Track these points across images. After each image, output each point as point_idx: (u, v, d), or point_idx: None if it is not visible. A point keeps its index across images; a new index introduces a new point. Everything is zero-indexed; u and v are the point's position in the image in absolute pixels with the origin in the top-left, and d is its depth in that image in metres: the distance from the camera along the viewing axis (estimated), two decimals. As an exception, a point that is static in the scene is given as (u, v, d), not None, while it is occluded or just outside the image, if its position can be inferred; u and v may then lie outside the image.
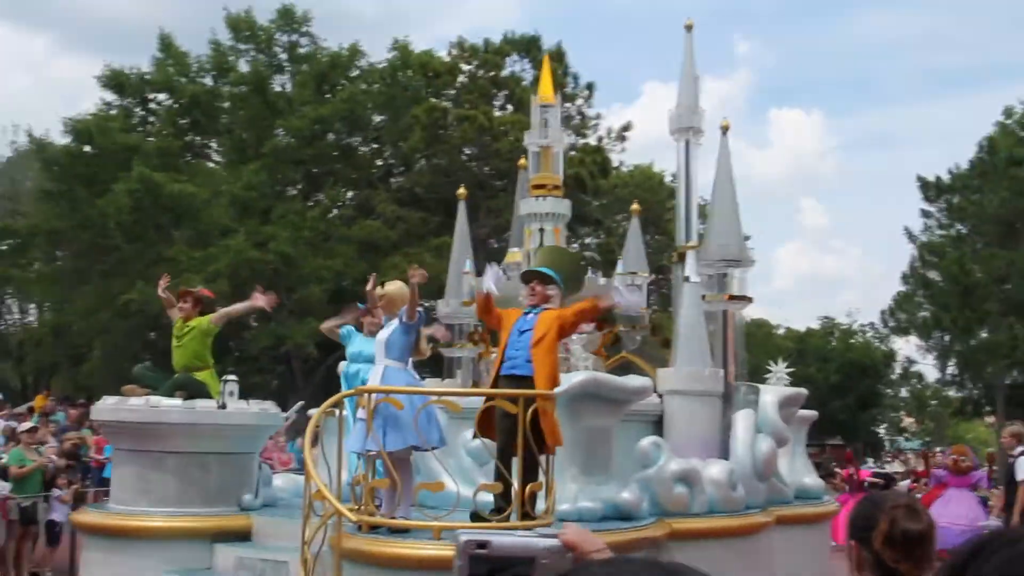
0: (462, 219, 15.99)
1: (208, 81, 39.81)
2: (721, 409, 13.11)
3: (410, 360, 10.44)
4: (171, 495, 11.08)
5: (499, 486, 9.85)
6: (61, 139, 38.76)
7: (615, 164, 42.74)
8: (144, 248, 37.00)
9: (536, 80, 41.39)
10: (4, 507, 15.09)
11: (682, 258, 13.59)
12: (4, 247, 39.05)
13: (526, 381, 9.92)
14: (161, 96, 39.89)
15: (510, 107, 40.74)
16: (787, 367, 14.52)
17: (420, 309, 10.37)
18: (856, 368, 54.58)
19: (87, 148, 38.06)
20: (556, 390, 10.94)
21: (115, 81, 39.12)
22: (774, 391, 13.63)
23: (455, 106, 39.99)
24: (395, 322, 10.31)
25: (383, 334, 10.34)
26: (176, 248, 35.79)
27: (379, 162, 41.77)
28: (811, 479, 14.82)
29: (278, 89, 39.96)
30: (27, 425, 17.15)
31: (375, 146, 41.58)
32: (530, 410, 9.64)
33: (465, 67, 41.12)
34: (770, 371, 14.42)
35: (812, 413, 15.26)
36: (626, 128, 43.36)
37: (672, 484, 11.95)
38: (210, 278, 34.73)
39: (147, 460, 11.13)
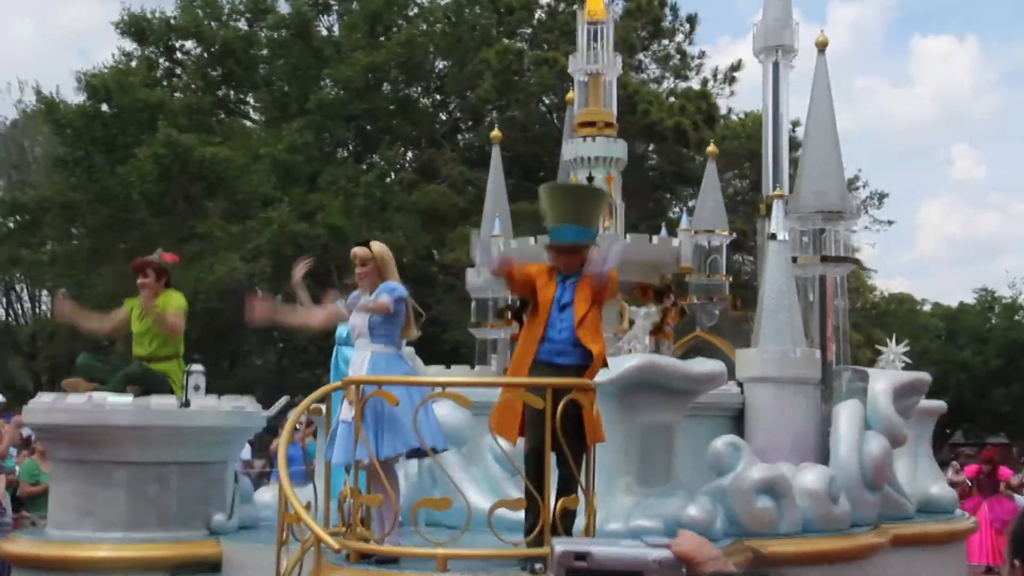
0: (496, 169, 15.08)
1: (243, 25, 39.38)
2: (818, 400, 12.06)
3: (403, 343, 9.52)
4: (120, 517, 10.26)
5: (522, 502, 8.93)
6: (74, 97, 38.59)
7: (723, 111, 41.48)
8: (173, 223, 36.65)
9: (629, 12, 40.64)
10: (17, 528, 14.42)
11: (769, 211, 12.54)
12: (12, 224, 38.81)
13: (570, 371, 8.97)
14: (189, 44, 39.55)
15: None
16: (904, 346, 13.37)
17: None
18: (1022, 350, 52.65)
19: (104, 107, 37.72)
20: (603, 378, 10.14)
21: (135, 27, 38.79)
22: (888, 376, 12.53)
23: (532, 48, 39.13)
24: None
25: (361, 314, 9.38)
26: (210, 222, 35.34)
27: (443, 116, 41.04)
28: (939, 488, 13.71)
29: (324, 33, 39.45)
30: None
31: (438, 97, 40.89)
32: (561, 404, 8.71)
33: (543, 0, 40.16)
34: (882, 351, 13.30)
35: (939, 404, 14.10)
36: (736, 67, 42.02)
37: (753, 496, 10.94)
38: (249, 256, 34.31)
39: (90, 473, 10.33)
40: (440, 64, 40.07)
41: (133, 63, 39.24)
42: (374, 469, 9.03)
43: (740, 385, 11.93)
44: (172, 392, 10.63)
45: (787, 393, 11.79)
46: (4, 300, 44.51)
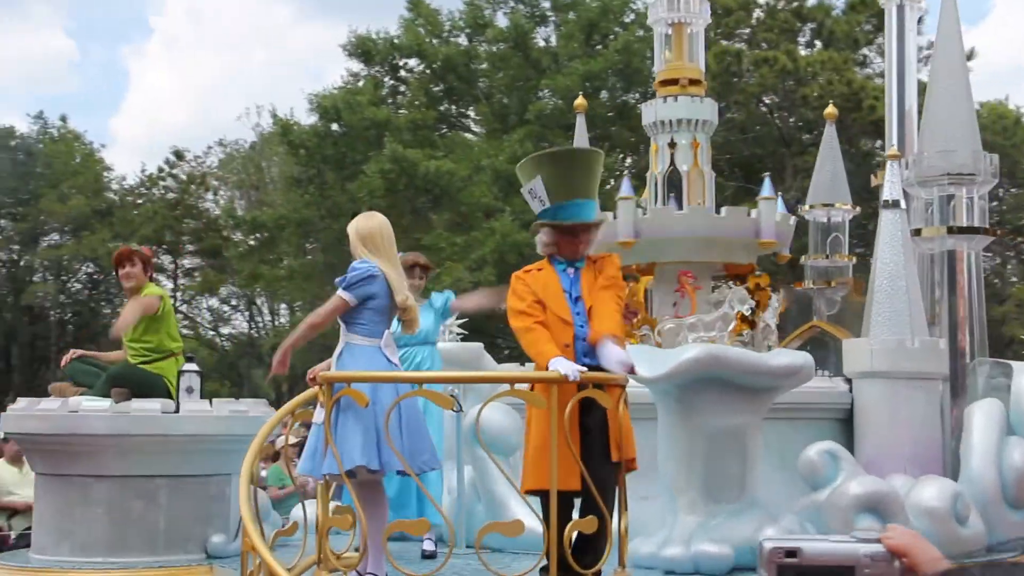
0: (581, 134, 13.10)
1: (463, 41, 38.10)
2: (945, 399, 9.58)
3: (386, 333, 7.56)
4: (100, 539, 8.59)
5: (519, 525, 6.91)
6: (306, 118, 38.16)
7: (956, 104, 38.24)
8: (400, 235, 35.58)
9: (852, 6, 37.79)
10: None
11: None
12: (252, 242, 38.50)
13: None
14: (412, 62, 38.48)
15: (818, 43, 36.98)
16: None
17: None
18: None
19: (335, 126, 36.98)
20: (654, 372, 8.09)
21: (361, 48, 37.95)
22: (1039, 370, 9.90)
23: (750, 48, 36.68)
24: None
25: None
26: (435, 234, 34.29)
27: (662, 121, 38.96)
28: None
29: (541, 44, 37.76)
30: (291, 440, 15.46)
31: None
32: (572, 402, 6.67)
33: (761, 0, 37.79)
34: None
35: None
36: (969, 56, 38.63)
37: (853, 515, 8.57)
38: (475, 266, 33.13)
39: (69, 489, 8.68)
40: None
41: (360, 83, 38.51)
42: (360, 483, 7.19)
43: (849, 382, 9.57)
44: (168, 395, 8.92)
45: (903, 391, 9.36)
46: (247, 314, 44.39)
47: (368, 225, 7.58)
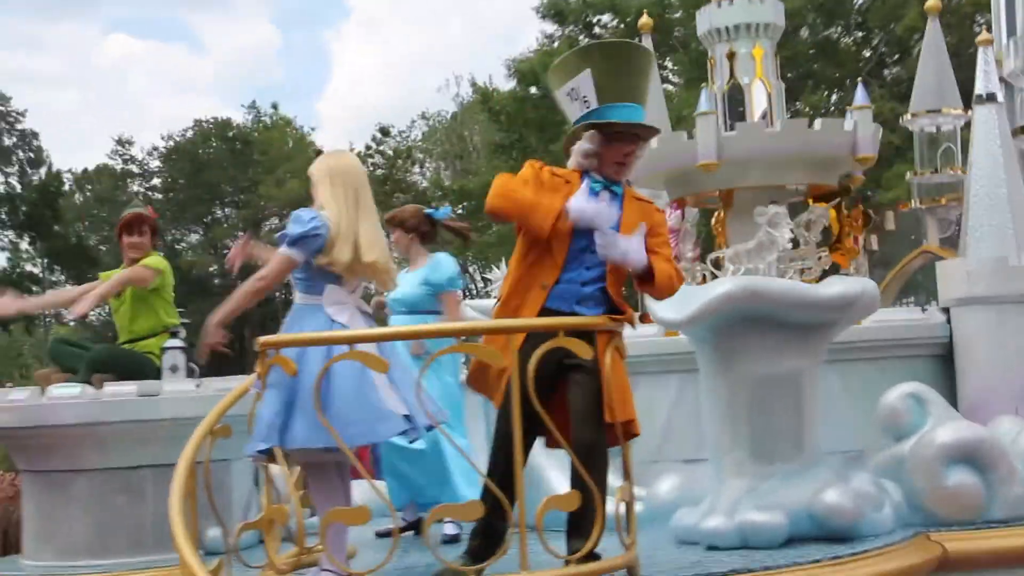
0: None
1: (655, -10, 36.53)
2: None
3: (330, 288, 6.27)
4: (81, 540, 7.51)
5: (475, 508, 5.49)
6: (505, 84, 37.73)
7: None
8: (607, 190, 34.82)
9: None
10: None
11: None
12: (460, 210, 37.97)
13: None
14: (605, 18, 37.22)
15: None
16: None
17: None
18: None
19: (533, 90, 36.20)
20: (680, 314, 6.91)
21: (554, 9, 37.07)
22: None
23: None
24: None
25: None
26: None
27: (867, 53, 36.52)
28: None
29: (741, -15, 35.89)
30: None
31: (860, 34, 36.49)
32: (536, 356, 5.34)
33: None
34: None
35: None
36: None
37: (942, 467, 6.95)
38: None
39: (48, 485, 7.65)
40: (860, 0, 35.88)
41: (555, 44, 37.43)
42: (309, 463, 6.11)
43: (946, 312, 7.87)
44: (160, 376, 7.85)
45: (1010, 318, 7.64)
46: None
47: (341, 164, 6.26)
